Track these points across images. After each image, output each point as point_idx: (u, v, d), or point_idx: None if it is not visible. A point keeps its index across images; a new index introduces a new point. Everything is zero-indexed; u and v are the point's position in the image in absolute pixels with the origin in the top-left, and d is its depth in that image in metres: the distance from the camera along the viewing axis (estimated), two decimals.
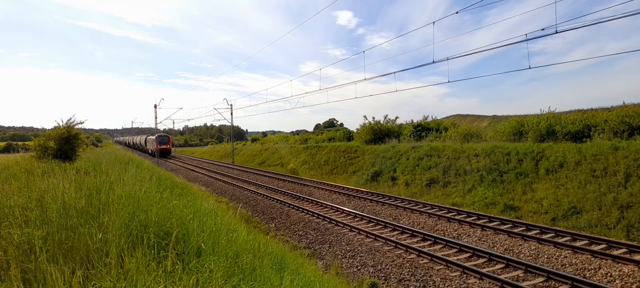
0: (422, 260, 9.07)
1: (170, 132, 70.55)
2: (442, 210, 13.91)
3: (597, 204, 11.60)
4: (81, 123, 16.70)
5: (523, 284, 7.35)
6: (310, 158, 30.75)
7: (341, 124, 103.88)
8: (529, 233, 10.50)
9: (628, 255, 8.61)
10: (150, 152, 55.37)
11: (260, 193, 19.16)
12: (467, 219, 12.40)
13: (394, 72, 14.43)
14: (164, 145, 53.28)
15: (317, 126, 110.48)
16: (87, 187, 5.87)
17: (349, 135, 36.61)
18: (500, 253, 9.12)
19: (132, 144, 78.56)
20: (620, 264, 8.16)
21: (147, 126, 78.20)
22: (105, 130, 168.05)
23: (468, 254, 9.31)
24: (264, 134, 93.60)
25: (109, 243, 3.64)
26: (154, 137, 51.47)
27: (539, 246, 9.64)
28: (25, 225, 4.15)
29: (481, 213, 12.98)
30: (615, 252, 8.74)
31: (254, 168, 33.55)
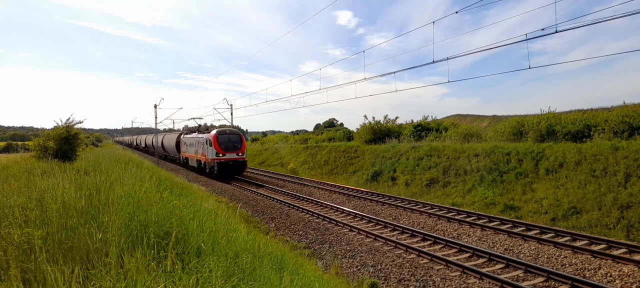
0: (422, 260, 9.07)
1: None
2: (442, 210, 13.90)
3: (597, 204, 11.59)
4: (80, 122, 16.73)
5: (523, 284, 7.35)
6: (310, 158, 30.75)
7: (341, 124, 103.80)
8: (529, 233, 10.50)
9: (628, 255, 8.61)
10: (199, 165, 28.34)
11: (260, 193, 19.15)
12: (467, 219, 12.40)
13: (394, 72, 14.36)
14: (234, 153, 24.70)
15: (317, 126, 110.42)
16: (87, 187, 5.87)
17: (349, 135, 36.60)
18: (500, 253, 9.11)
19: (143, 146, 58.18)
20: (620, 264, 8.16)
21: (147, 126, 66.34)
22: (105, 130, 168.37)
23: (468, 254, 9.30)
24: (264, 133, 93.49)
25: (108, 243, 3.64)
26: (210, 136, 25.05)
27: (539, 246, 9.64)
28: (25, 225, 4.14)
29: (481, 213, 12.97)
30: (615, 252, 8.74)
31: (254, 168, 33.55)
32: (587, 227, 11.07)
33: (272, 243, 7.35)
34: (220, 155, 24.27)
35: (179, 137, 36.07)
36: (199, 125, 33.79)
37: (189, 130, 36.44)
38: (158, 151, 43.67)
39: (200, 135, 27.93)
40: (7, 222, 4.32)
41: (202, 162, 27.24)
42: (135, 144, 69.29)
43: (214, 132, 25.08)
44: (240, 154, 24.97)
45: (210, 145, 24.99)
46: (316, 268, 7.83)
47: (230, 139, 25.24)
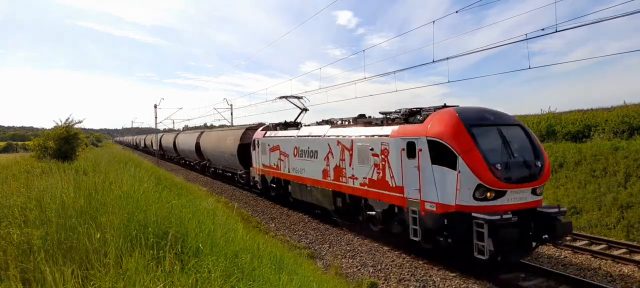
0: (422, 260, 9.05)
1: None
2: None
3: (597, 204, 11.58)
4: (80, 122, 16.72)
5: (523, 284, 7.34)
6: None
7: None
8: None
9: (628, 255, 8.60)
10: (370, 217, 9.59)
11: (260, 193, 19.10)
12: None
13: (394, 72, 14.19)
14: (529, 188, 7.15)
15: None
16: (86, 187, 5.87)
17: None
18: None
19: (154, 149, 42.95)
20: (620, 264, 8.15)
21: (147, 126, 63.28)
22: (105, 130, 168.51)
23: None
24: None
25: (108, 243, 3.64)
26: (447, 126, 7.21)
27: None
28: (24, 225, 4.15)
29: None
30: (615, 252, 8.73)
31: None
32: (587, 227, 11.06)
33: (271, 243, 7.36)
34: (494, 187, 6.97)
35: (243, 135, 19.24)
36: (304, 109, 16.40)
37: (272, 125, 16.69)
38: (185, 155, 34.02)
39: (368, 130, 9.85)
40: (7, 222, 4.32)
41: (395, 209, 8.99)
42: (144, 144, 57.90)
43: (448, 111, 7.92)
44: (538, 191, 7.59)
45: (452, 165, 7.20)
46: (315, 268, 7.83)
47: (508, 139, 7.62)
